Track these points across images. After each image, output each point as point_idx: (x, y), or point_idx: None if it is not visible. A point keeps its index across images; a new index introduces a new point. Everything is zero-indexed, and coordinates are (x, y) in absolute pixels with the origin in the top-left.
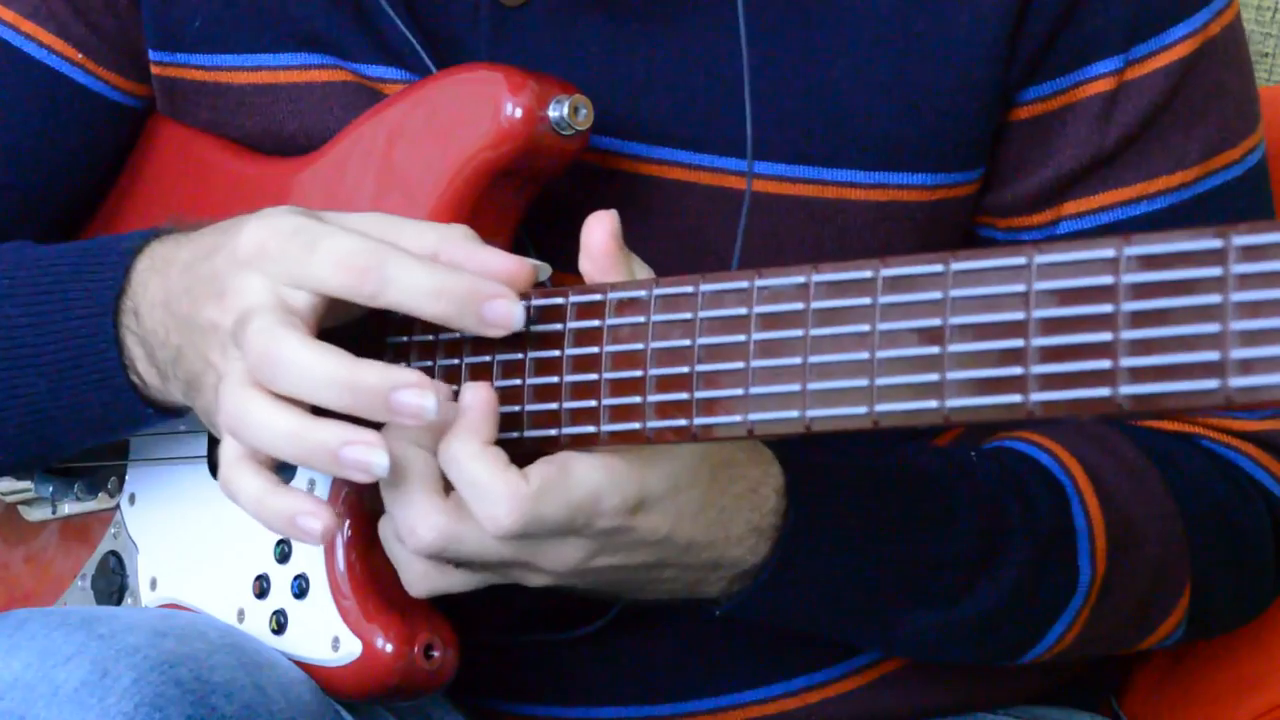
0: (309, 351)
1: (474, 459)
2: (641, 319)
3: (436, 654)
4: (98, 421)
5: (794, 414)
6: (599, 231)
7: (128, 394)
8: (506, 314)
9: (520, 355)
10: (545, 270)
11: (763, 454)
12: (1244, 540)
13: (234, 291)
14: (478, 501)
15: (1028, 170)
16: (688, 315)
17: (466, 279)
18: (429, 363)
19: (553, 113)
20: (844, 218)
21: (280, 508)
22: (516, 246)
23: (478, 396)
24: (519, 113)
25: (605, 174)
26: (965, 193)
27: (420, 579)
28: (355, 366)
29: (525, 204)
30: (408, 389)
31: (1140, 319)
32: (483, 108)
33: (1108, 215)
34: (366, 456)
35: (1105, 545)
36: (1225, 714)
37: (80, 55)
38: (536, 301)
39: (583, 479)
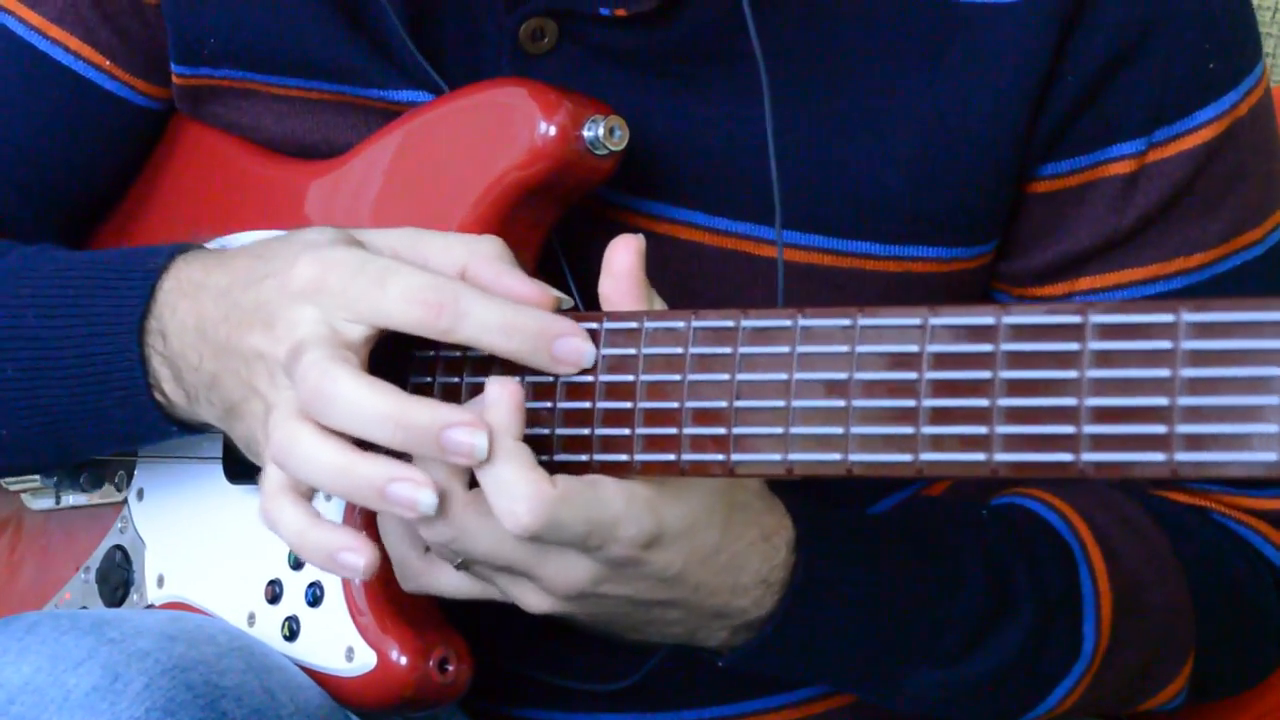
0: (361, 388)
1: (500, 453)
2: (678, 350)
3: (450, 668)
4: (119, 434)
5: (835, 456)
6: (625, 252)
7: (152, 412)
8: (577, 351)
9: (551, 378)
10: (567, 304)
11: (777, 504)
12: (1250, 613)
13: (285, 323)
14: (500, 496)
15: (1043, 243)
16: (727, 350)
17: (537, 316)
18: (455, 378)
19: (588, 133)
20: (858, 286)
21: (322, 542)
22: (554, 275)
23: (504, 391)
24: (553, 132)
25: (620, 230)
26: (979, 264)
27: (415, 575)
28: (406, 404)
29: (553, 222)
30: (459, 428)
31: (1197, 386)
32: (517, 125)
33: (1123, 293)
34: (413, 494)
35: (1111, 612)
36: (1225, 716)
37: (108, 62)
38: None
39: (608, 500)
